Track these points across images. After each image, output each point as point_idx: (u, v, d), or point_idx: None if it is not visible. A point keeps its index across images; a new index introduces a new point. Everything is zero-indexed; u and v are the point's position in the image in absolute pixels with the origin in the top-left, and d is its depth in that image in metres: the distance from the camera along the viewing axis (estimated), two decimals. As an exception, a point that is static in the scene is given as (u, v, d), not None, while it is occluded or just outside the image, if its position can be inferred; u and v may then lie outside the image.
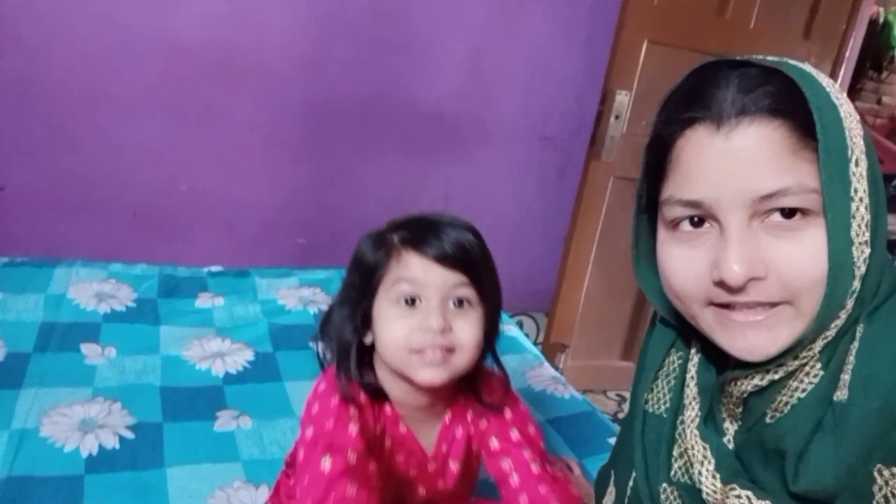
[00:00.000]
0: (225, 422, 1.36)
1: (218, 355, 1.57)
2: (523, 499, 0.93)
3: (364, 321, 0.92)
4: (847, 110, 0.64)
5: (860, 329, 0.65)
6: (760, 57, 0.67)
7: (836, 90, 0.65)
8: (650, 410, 0.83)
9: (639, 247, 0.79)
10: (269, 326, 1.71)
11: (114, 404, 1.35)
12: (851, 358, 0.64)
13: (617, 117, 2.20)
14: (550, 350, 2.44)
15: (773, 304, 0.65)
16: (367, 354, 0.95)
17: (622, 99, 2.19)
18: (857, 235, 0.63)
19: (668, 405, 0.81)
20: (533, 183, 2.52)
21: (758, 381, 0.69)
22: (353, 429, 0.88)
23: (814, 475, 0.63)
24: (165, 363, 1.52)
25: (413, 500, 0.99)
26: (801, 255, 0.63)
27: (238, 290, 1.86)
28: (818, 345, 0.66)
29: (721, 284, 0.65)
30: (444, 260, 0.88)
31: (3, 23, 1.81)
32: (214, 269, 1.95)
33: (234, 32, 2.01)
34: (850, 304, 0.64)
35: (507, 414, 0.99)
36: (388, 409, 0.95)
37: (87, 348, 1.51)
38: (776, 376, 0.68)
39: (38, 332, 1.53)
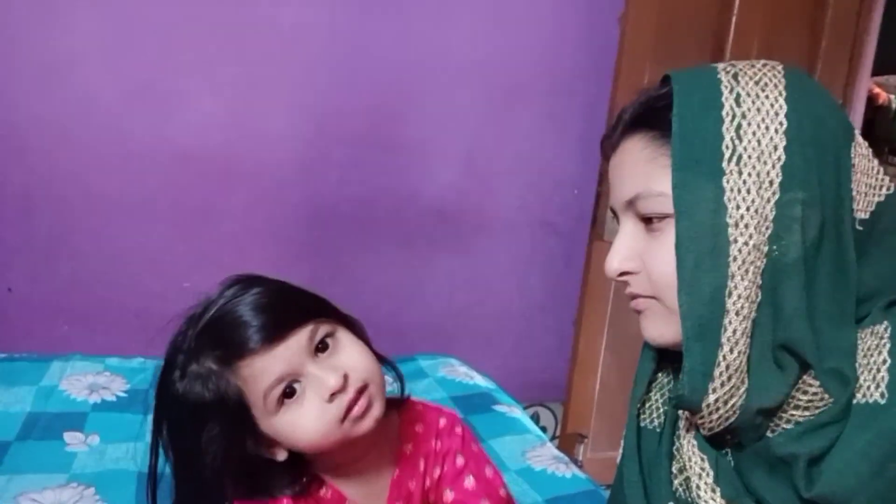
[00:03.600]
0: (200, 505, 1.30)
1: (203, 442, 1.52)
2: None
3: (261, 443, 0.86)
4: (746, 110, 0.63)
5: (886, 326, 0.62)
6: (698, 67, 0.70)
7: (747, 86, 0.64)
8: (644, 425, 0.80)
9: None
10: (260, 414, 1.66)
11: (87, 490, 1.30)
12: (884, 356, 0.60)
13: (616, 197, 2.20)
14: (569, 441, 2.33)
15: (650, 298, 0.71)
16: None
17: (619, 179, 2.20)
18: (736, 238, 0.62)
19: (661, 419, 0.78)
20: (538, 273, 2.50)
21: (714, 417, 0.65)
22: None
23: (833, 478, 0.59)
24: (147, 450, 1.47)
25: None
26: (660, 254, 0.68)
27: (233, 380, 1.83)
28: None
29: None
30: (274, 337, 0.81)
31: (10, 137, 1.91)
32: (212, 361, 1.93)
33: (232, 138, 2.08)
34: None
35: (460, 460, 0.92)
36: (326, 493, 0.89)
37: (70, 436, 1.47)
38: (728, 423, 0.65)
39: (23, 423, 1.50)
